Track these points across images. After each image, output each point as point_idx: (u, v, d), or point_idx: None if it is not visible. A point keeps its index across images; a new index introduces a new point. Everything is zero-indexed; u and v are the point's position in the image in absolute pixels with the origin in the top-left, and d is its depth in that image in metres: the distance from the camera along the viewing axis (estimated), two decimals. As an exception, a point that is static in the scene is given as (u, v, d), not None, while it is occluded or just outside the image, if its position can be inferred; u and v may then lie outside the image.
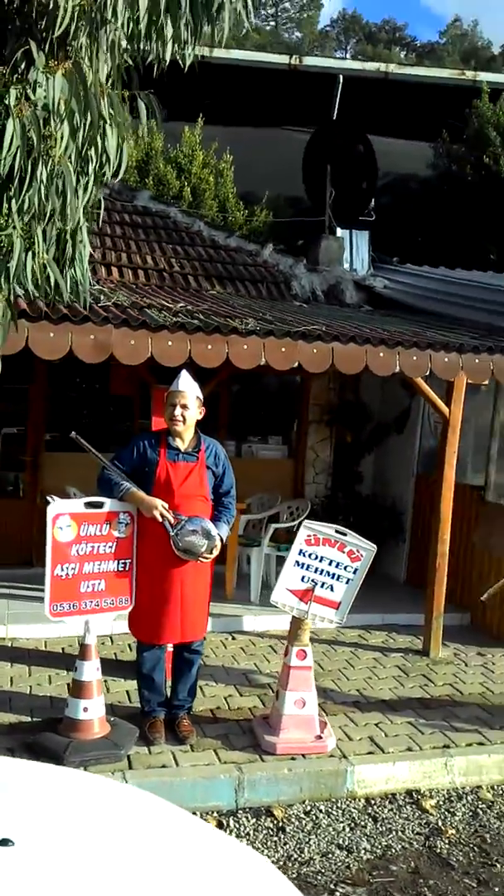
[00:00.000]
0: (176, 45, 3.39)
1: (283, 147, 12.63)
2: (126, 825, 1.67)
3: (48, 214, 3.03)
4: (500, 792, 4.45)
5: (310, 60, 13.45)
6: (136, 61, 3.50)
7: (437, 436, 7.65)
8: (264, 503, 7.48)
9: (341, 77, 12.80)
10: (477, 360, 5.37)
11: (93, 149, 3.09)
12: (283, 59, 12.65)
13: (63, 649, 5.69)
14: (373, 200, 9.64)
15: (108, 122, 3.12)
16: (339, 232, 8.51)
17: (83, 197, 3.19)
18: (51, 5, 2.73)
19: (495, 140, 11.90)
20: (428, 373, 5.28)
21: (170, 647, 4.57)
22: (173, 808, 1.85)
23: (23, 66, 2.61)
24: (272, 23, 44.00)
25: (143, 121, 3.36)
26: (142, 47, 3.33)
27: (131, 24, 3.11)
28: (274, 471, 8.08)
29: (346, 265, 8.38)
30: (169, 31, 3.26)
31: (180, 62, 3.95)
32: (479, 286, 8.02)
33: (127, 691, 5.02)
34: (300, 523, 7.11)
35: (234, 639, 6.19)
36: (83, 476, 5.70)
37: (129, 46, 3.32)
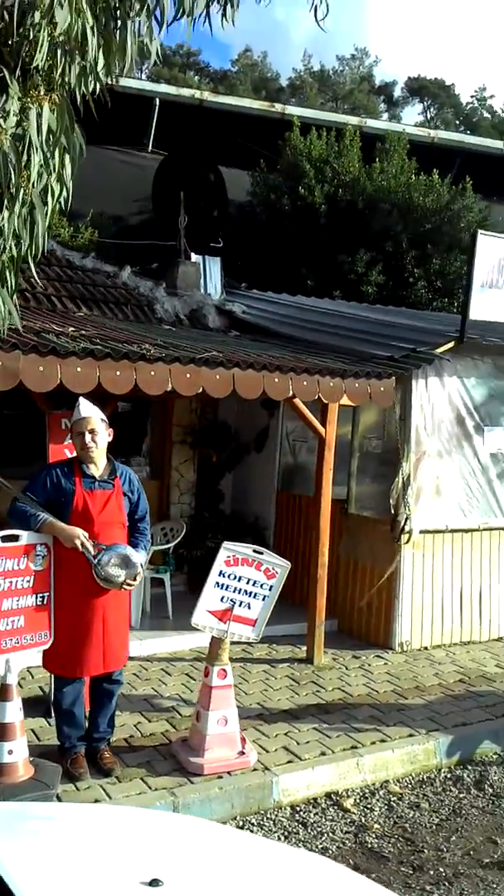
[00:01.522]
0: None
1: (105, 165, 12.65)
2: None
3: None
4: (406, 784, 4.83)
5: (126, 82, 13.57)
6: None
7: (296, 453, 8.09)
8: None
9: (157, 100, 13.07)
10: (357, 385, 5.80)
11: (56, 179, 3.07)
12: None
13: None
14: (222, 229, 9.94)
15: (68, 153, 3.11)
16: (194, 257, 8.71)
17: (42, 225, 3.15)
18: (30, 35, 2.71)
19: (309, 172, 12.56)
20: (316, 396, 5.62)
21: (85, 679, 4.48)
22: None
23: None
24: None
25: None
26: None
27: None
28: (139, 493, 8.06)
29: (202, 290, 8.59)
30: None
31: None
32: (329, 313, 8.58)
33: (32, 729, 4.83)
34: (176, 545, 7.26)
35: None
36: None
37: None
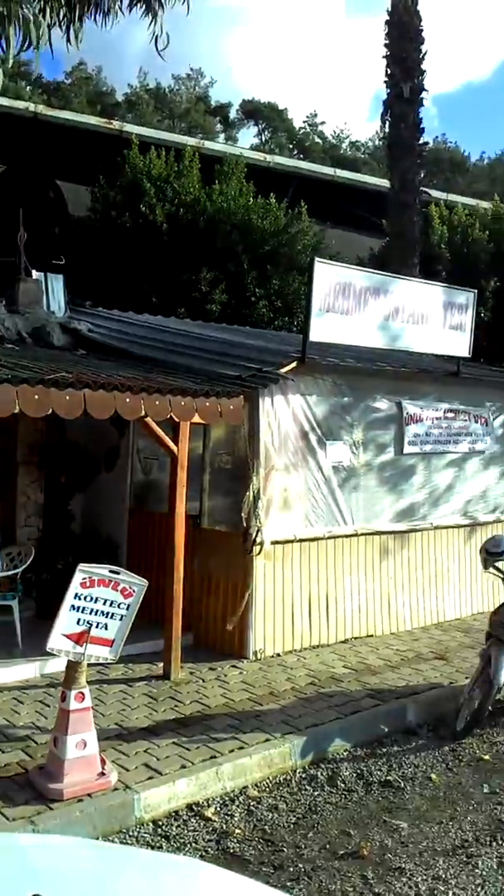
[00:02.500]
0: None
1: None
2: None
3: None
4: (264, 787, 5.00)
5: (-44, 90, 13.13)
6: None
7: (147, 471, 8.14)
8: (-22, 551, 7.20)
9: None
10: (207, 404, 5.97)
11: None
12: None
13: None
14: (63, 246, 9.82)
15: None
16: (35, 274, 8.56)
17: None
18: None
19: (149, 191, 12.65)
20: (168, 416, 5.72)
21: None
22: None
23: None
24: None
25: None
26: None
27: None
28: (-17, 516, 7.80)
29: (44, 308, 8.46)
30: None
31: None
32: (177, 332, 8.72)
33: None
34: (24, 570, 7.08)
35: (-27, 696, 5.91)
36: None
37: None
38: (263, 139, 34.26)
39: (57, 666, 5.85)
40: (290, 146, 32.56)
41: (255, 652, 6.81)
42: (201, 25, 57.62)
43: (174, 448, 6.27)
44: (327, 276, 6.43)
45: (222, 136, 34.28)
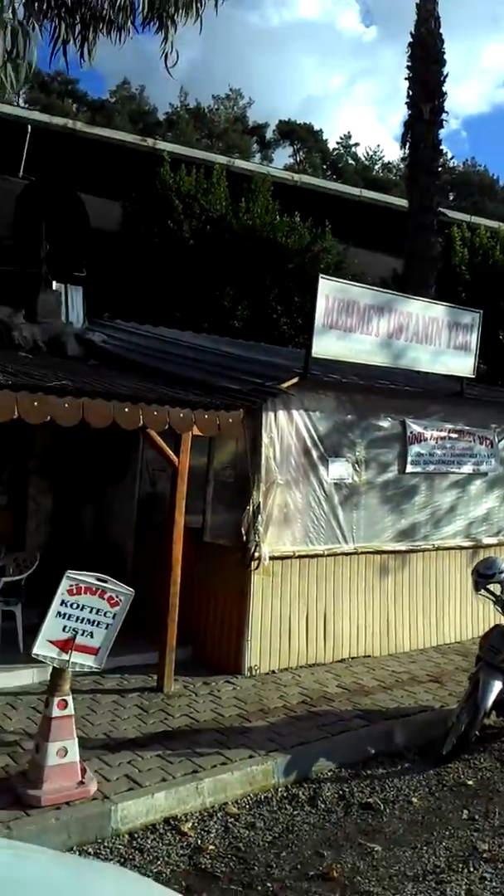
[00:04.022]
0: None
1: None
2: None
3: None
4: (244, 804, 4.97)
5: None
6: None
7: (155, 483, 8.19)
8: (-14, 556, 7.30)
9: (30, 127, 13.07)
10: (206, 416, 6.01)
11: None
12: (-34, 100, 12.49)
13: None
14: (84, 258, 9.99)
15: None
16: (55, 285, 8.72)
17: None
18: None
19: (177, 206, 12.86)
20: (167, 427, 5.77)
21: None
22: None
23: None
24: None
25: None
26: None
27: None
28: (-8, 522, 7.93)
29: (63, 318, 8.60)
30: None
31: None
32: (188, 346, 8.79)
33: None
34: (31, 577, 7.15)
35: (-35, 700, 5.98)
36: None
37: None
38: (298, 159, 34.55)
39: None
40: (324, 167, 32.77)
41: (250, 668, 6.79)
42: (241, 46, 58.45)
43: (175, 459, 6.31)
44: (331, 292, 6.45)
45: (258, 155, 34.66)
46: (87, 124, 17.13)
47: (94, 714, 5.87)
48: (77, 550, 8.13)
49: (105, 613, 4.74)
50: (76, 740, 4.67)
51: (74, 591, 4.67)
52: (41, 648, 4.61)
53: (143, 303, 11.95)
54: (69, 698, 4.67)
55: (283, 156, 38.22)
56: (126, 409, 5.44)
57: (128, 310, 11.04)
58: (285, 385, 6.55)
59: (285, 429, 6.84)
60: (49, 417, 5.09)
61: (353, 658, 7.40)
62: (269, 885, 4.07)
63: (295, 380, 6.60)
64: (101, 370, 7.27)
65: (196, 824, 4.69)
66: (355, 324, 6.65)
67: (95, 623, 4.72)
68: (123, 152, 14.17)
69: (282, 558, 6.92)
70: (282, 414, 6.80)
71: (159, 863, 4.27)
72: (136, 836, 4.51)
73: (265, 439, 6.69)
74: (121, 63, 40.90)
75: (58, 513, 8.29)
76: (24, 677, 6.43)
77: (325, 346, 6.49)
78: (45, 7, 4.73)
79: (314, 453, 7.03)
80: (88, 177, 13.51)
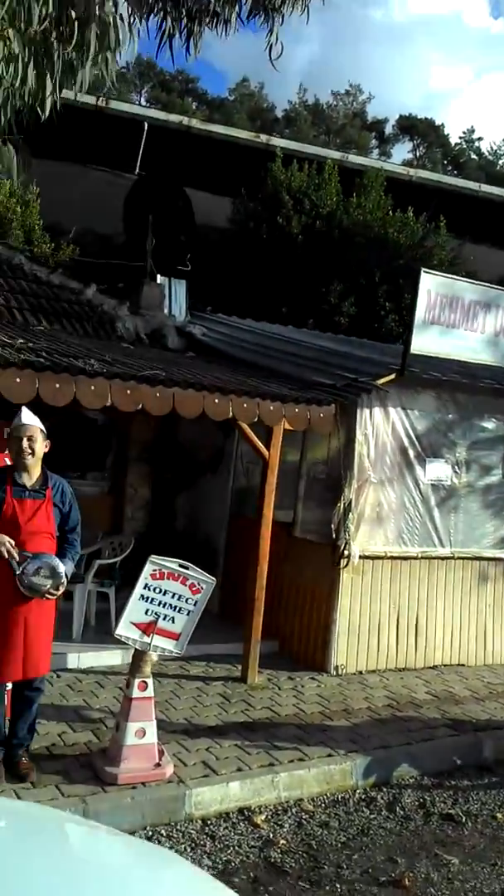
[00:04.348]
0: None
1: (91, 184, 12.88)
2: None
3: None
4: (319, 803, 4.90)
5: (115, 104, 13.89)
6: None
7: (249, 476, 8.20)
8: (84, 539, 7.52)
9: (146, 124, 13.37)
10: (297, 410, 5.96)
11: None
12: (89, 99, 12.93)
13: None
14: (189, 253, 10.15)
15: None
16: (159, 279, 8.89)
17: None
18: None
19: (287, 203, 12.83)
20: (256, 419, 5.76)
21: (9, 686, 4.55)
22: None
23: None
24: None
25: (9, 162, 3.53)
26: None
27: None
28: (93, 507, 8.13)
29: (166, 311, 8.76)
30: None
31: (39, 111, 4.18)
32: (287, 340, 8.76)
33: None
34: (123, 559, 7.34)
35: (58, 676, 6.18)
36: None
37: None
38: (417, 154, 33.83)
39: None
40: (445, 162, 31.94)
41: (336, 667, 6.70)
42: (362, 42, 57.77)
43: (265, 452, 6.30)
44: (434, 287, 6.25)
45: (375, 151, 34.17)
46: (203, 121, 17.44)
47: (178, 699, 5.95)
48: (171, 538, 8.28)
49: (187, 600, 4.78)
50: (154, 722, 4.73)
51: (157, 576, 4.73)
52: (124, 630, 4.71)
53: (249, 298, 12.02)
54: (150, 680, 4.74)
55: (402, 151, 37.53)
56: (216, 401, 5.47)
57: (232, 305, 11.13)
58: (381, 381, 6.40)
59: (381, 426, 6.69)
60: (140, 406, 5.18)
61: (445, 665, 7.16)
62: (338, 885, 3.99)
63: (392, 376, 6.45)
64: (198, 362, 7.36)
65: (269, 817, 4.67)
66: (459, 320, 6.42)
67: (177, 609, 4.77)
68: (236, 149, 14.30)
69: (373, 558, 6.78)
70: (377, 411, 6.65)
71: (229, 851, 4.27)
72: (208, 822, 4.53)
73: (359, 436, 6.57)
74: (240, 61, 41.30)
75: (155, 501, 8.45)
76: (114, 657, 6.59)
77: (426, 342, 6.30)
78: (150, 1, 4.79)
79: (411, 452, 6.85)
80: (200, 173, 13.73)
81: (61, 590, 4.42)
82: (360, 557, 6.65)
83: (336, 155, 15.28)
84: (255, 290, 12.27)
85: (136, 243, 9.12)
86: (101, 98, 13.10)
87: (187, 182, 13.36)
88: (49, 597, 4.37)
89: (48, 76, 3.52)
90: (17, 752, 4.54)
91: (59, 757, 4.80)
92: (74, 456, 8.67)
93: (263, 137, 15.89)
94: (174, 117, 15.38)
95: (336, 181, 13.16)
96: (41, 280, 8.35)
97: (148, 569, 4.73)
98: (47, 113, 3.58)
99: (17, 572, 4.26)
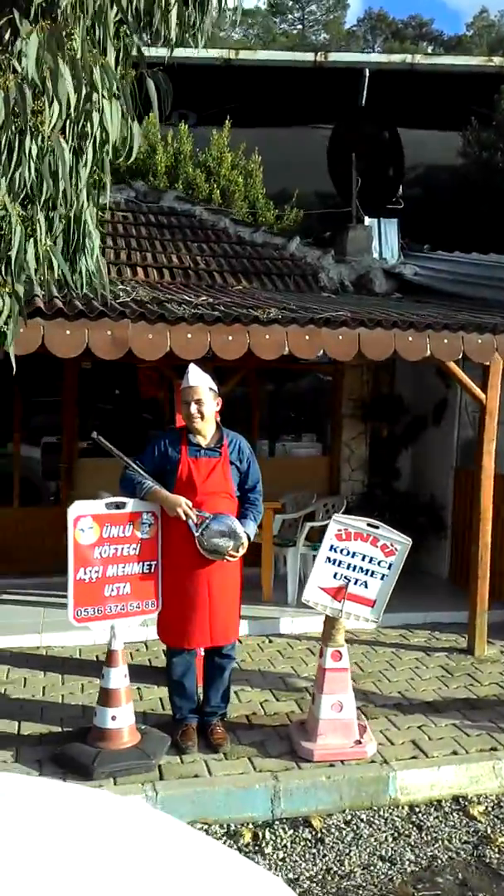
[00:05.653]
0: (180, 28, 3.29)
1: (313, 144, 12.48)
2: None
3: (46, 197, 2.88)
4: None
5: (335, 56, 13.28)
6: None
7: (475, 427, 7.37)
8: (299, 502, 7.27)
9: (367, 71, 12.61)
10: (513, 342, 5.11)
11: (88, 123, 2.93)
12: (308, 56, 12.51)
13: (97, 657, 5.56)
14: (400, 187, 9.37)
15: (101, 92, 2.95)
16: (367, 221, 8.28)
17: (84, 176, 3.04)
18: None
19: (527, 124, 11.53)
20: (461, 356, 5.03)
21: (201, 652, 4.40)
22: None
23: (7, 36, 2.48)
24: (299, 26, 43.85)
25: (153, 100, 3.23)
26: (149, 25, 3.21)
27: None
28: (309, 469, 7.89)
29: (375, 254, 8.14)
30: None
31: (191, 42, 3.80)
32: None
33: (160, 698, 4.86)
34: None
35: (270, 642, 6.01)
36: (115, 480, 5.58)
37: (128, 26, 3.19)
38: None
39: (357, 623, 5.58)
40: None
41: None
42: None
43: (482, 396, 5.53)
44: None
45: None
46: (427, 55, 16.22)
47: (393, 669, 5.46)
48: (391, 498, 7.73)
49: (380, 563, 4.27)
50: (352, 695, 4.32)
51: (343, 537, 4.28)
52: (311, 594, 4.33)
53: (478, 232, 10.94)
54: (344, 649, 4.33)
55: None
56: (410, 339, 4.83)
57: (457, 241, 10.18)
58: None
59: None
60: (322, 351, 4.72)
61: None
62: None
63: None
64: (404, 302, 6.69)
65: (489, 809, 4.06)
66: None
67: (370, 573, 4.28)
68: (463, 79, 13.10)
69: None
70: None
71: (437, 845, 3.75)
72: (416, 809, 4.04)
73: None
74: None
75: (373, 460, 7.94)
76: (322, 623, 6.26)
77: None
78: None
79: None
80: (427, 113, 12.76)
81: (241, 551, 4.15)
82: None
83: None
84: (487, 224, 11.15)
85: (343, 187, 8.56)
86: (319, 53, 12.66)
87: (409, 122, 12.47)
88: (230, 558, 4.12)
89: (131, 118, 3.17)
90: (211, 721, 4.38)
91: (258, 727, 4.57)
92: (293, 418, 8.47)
93: (497, 60, 14.39)
94: (396, 58, 14.39)
95: None
96: (244, 240, 8.17)
97: (332, 529, 4.29)
98: (133, 157, 3.25)
99: (197, 534, 4.06)
